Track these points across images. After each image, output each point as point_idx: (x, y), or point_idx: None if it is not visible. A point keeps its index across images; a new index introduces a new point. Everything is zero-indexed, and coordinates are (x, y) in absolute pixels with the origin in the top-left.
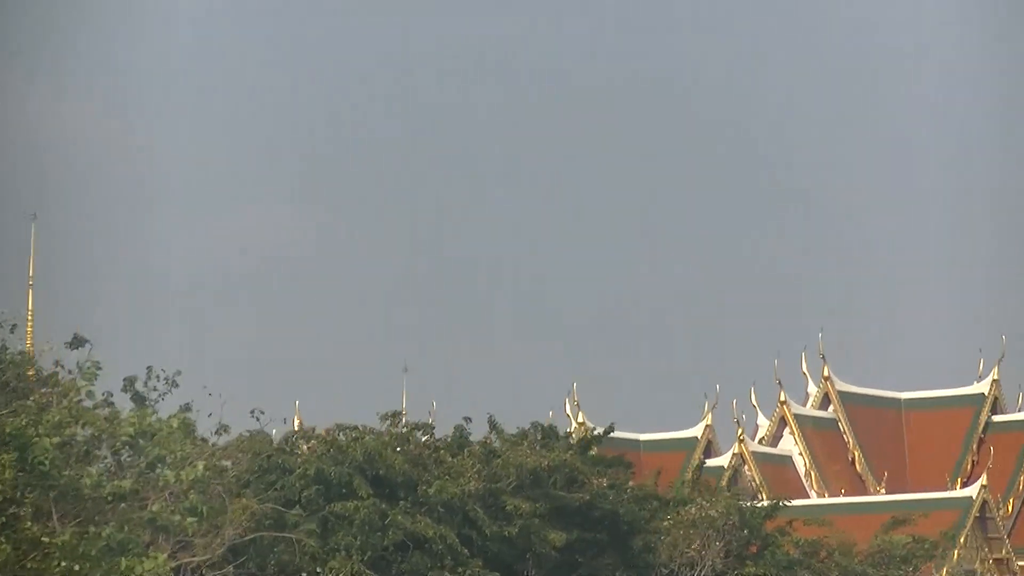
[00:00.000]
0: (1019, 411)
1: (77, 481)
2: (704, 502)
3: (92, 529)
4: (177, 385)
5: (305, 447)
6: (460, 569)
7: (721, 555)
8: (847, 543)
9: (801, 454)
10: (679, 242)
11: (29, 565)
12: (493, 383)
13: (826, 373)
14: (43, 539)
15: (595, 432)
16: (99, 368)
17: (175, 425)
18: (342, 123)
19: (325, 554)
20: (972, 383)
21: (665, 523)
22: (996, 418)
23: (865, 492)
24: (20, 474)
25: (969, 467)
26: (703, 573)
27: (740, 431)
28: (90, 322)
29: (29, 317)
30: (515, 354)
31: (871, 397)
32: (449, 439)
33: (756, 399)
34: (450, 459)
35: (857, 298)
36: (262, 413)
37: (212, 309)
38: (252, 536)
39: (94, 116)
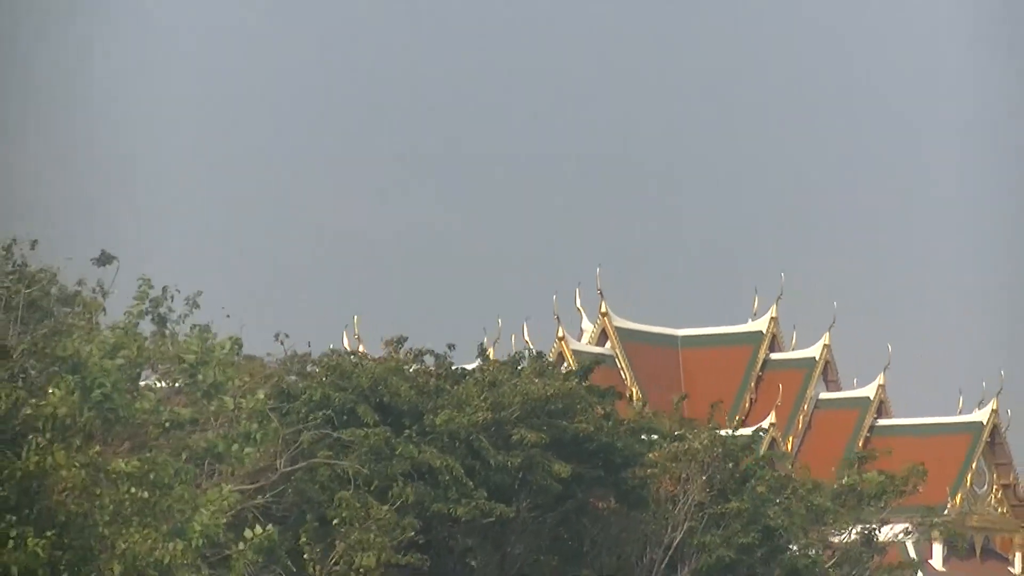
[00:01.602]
0: (794, 349)
1: (131, 406)
2: (688, 434)
3: (148, 455)
4: (198, 306)
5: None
6: (465, 501)
7: (706, 489)
8: (815, 480)
9: None
10: (460, 170)
11: (98, 491)
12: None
13: (604, 309)
14: (112, 465)
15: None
16: (151, 286)
17: (227, 348)
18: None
19: (333, 483)
20: (747, 321)
21: (649, 456)
22: (774, 356)
23: None
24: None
25: (747, 405)
26: (686, 507)
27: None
28: None
29: None
30: (294, 283)
31: (648, 334)
32: (433, 367)
33: (529, 335)
34: (450, 387)
35: (634, 235)
36: (287, 336)
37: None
38: (304, 464)
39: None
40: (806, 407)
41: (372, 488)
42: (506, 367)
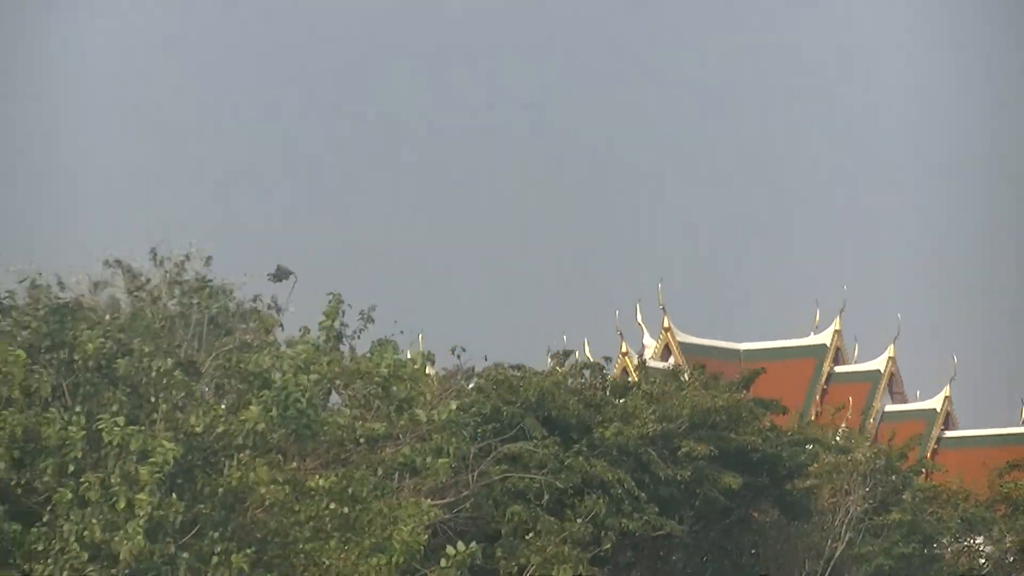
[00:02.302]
0: (857, 362)
1: (326, 421)
2: (851, 446)
3: (345, 470)
4: (373, 321)
5: (469, 384)
6: (636, 515)
7: (868, 500)
8: (963, 488)
9: None
10: (518, 185)
11: (297, 507)
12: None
13: (666, 324)
14: (311, 481)
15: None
16: (341, 302)
17: (418, 363)
18: None
19: (505, 497)
20: (809, 335)
21: (812, 468)
22: (838, 369)
23: None
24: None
25: (813, 417)
26: (847, 518)
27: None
28: None
29: None
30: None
31: (711, 348)
32: (588, 378)
33: (591, 352)
34: (616, 400)
35: (695, 249)
36: (463, 351)
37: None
38: (498, 477)
39: None
40: (872, 420)
41: (543, 502)
42: (670, 379)
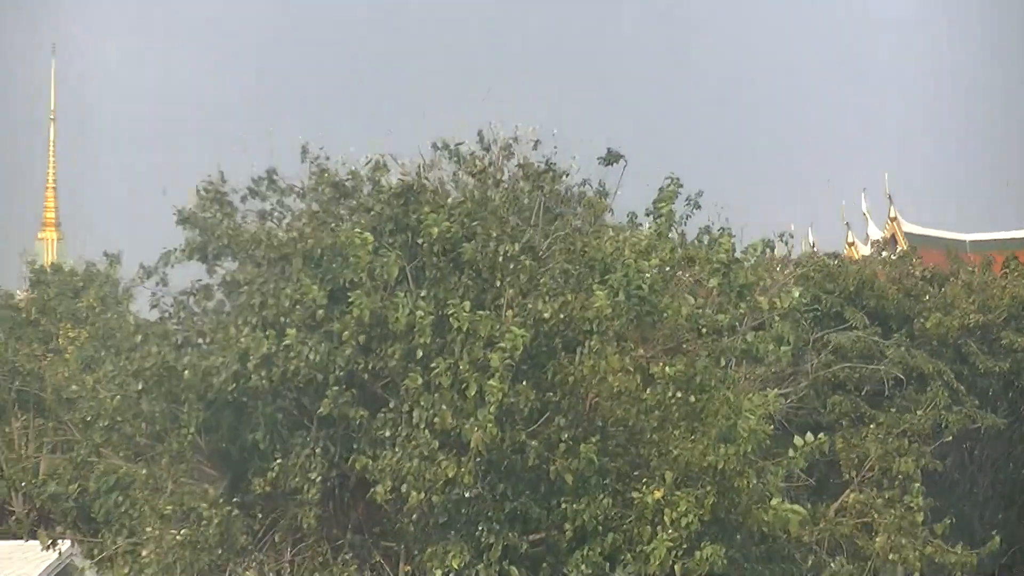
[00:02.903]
0: None
1: (669, 308)
2: None
3: (686, 358)
4: (699, 207)
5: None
6: (956, 408)
7: None
8: None
9: None
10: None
11: (645, 395)
12: None
13: (892, 214)
14: (654, 369)
15: None
16: (679, 185)
17: (759, 249)
18: None
19: (825, 387)
20: None
21: None
22: None
23: None
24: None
25: None
26: None
27: None
28: None
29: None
30: None
31: (937, 239)
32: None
33: (815, 240)
34: (933, 289)
35: (910, 137)
36: (791, 237)
37: None
38: (839, 367)
39: None
40: None
41: (863, 393)
42: (984, 268)
